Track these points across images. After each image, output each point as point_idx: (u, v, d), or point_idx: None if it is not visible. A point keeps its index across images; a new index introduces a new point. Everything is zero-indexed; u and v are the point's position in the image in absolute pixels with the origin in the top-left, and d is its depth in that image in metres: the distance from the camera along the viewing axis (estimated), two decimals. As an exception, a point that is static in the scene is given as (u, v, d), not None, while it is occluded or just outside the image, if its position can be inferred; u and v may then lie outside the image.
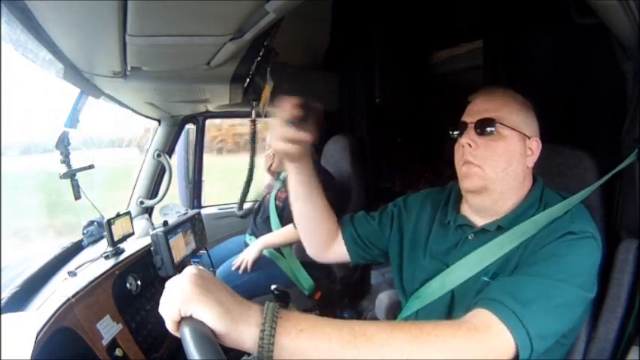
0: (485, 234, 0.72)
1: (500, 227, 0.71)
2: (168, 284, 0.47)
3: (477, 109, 0.72)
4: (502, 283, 0.62)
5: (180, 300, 0.44)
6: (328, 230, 0.85)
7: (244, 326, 0.45)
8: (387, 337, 0.49)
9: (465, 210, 0.77)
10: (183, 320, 0.44)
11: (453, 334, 0.52)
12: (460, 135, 0.72)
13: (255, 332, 0.44)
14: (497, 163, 0.69)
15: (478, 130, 0.70)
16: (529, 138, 0.71)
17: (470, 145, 0.69)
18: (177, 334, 0.45)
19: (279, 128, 0.66)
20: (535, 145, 0.71)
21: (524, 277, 0.61)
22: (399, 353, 0.48)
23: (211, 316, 0.44)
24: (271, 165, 1.89)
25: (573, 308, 0.60)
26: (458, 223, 0.76)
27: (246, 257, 1.69)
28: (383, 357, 0.48)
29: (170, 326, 0.46)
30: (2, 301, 0.83)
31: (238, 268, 1.67)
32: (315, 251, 0.88)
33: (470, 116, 0.72)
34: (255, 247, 1.70)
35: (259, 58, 0.96)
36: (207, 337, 0.42)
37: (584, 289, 0.60)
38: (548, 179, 0.76)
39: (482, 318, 0.55)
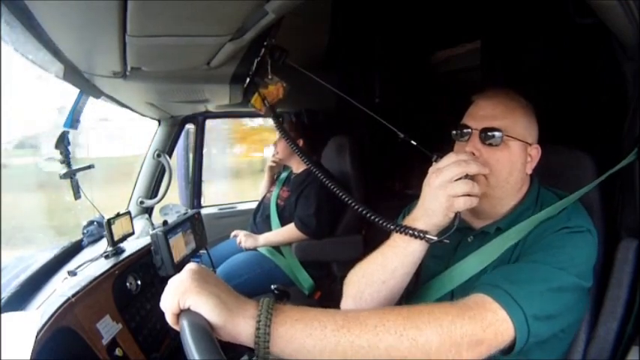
0: (485, 236, 0.73)
1: (499, 229, 0.71)
2: (170, 280, 0.49)
3: (482, 114, 0.71)
4: (498, 271, 0.64)
5: (179, 292, 0.46)
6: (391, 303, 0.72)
7: (240, 319, 0.46)
8: (380, 318, 0.50)
9: (464, 213, 0.77)
10: (182, 313, 0.46)
11: (445, 312, 0.52)
12: (462, 137, 0.72)
13: (252, 324, 0.46)
14: (500, 172, 0.69)
15: (483, 137, 0.69)
16: (530, 145, 0.71)
17: (473, 153, 0.69)
18: (176, 328, 0.46)
19: (464, 184, 0.61)
20: (535, 152, 0.72)
21: (521, 264, 0.62)
22: (393, 331, 0.49)
23: (208, 308, 0.45)
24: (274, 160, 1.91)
25: (568, 294, 0.60)
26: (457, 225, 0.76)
27: (245, 239, 1.72)
28: (378, 337, 0.48)
29: (170, 319, 0.47)
30: (2, 301, 0.83)
31: (238, 267, 1.68)
32: (358, 308, 0.71)
33: (474, 121, 0.71)
34: (255, 240, 1.71)
35: (260, 58, 0.96)
36: (204, 330, 0.43)
37: (580, 278, 0.61)
38: (548, 179, 0.76)
39: (476, 299, 0.56)
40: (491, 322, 0.53)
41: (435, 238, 0.62)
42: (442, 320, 0.51)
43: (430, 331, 0.50)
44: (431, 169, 0.64)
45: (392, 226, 0.64)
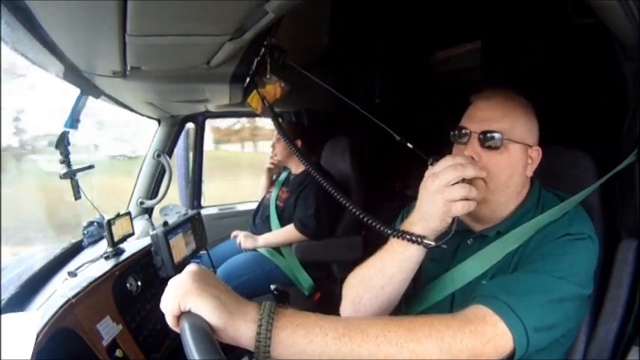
0: (485, 239, 0.72)
1: (499, 232, 0.71)
2: (170, 282, 0.48)
3: (481, 115, 0.69)
4: (498, 281, 0.63)
5: (180, 294, 0.46)
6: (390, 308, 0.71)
7: (241, 321, 0.46)
8: (382, 329, 0.50)
9: (463, 216, 0.76)
10: (182, 315, 0.46)
11: (446, 325, 0.52)
12: (460, 138, 0.70)
13: (253, 327, 0.45)
14: (499, 176, 0.67)
15: (482, 140, 0.67)
16: (530, 147, 0.70)
17: (472, 157, 0.67)
18: (177, 330, 0.46)
19: (461, 188, 0.59)
20: (535, 154, 0.71)
21: (521, 274, 0.62)
22: (394, 342, 0.49)
23: (208, 309, 0.45)
24: (273, 163, 1.91)
25: (569, 304, 0.60)
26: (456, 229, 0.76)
27: (244, 240, 1.72)
28: (378, 347, 0.49)
29: (170, 321, 0.47)
30: (2, 301, 0.83)
31: (238, 268, 1.68)
32: (357, 313, 0.70)
33: (473, 123, 0.69)
34: (254, 241, 1.71)
35: (259, 58, 0.96)
36: (205, 331, 0.43)
37: (581, 287, 0.61)
38: (547, 180, 0.76)
39: (476, 311, 0.56)
40: (491, 337, 0.53)
41: (433, 243, 0.61)
42: (443, 334, 0.51)
43: (431, 345, 0.50)
44: (427, 173, 0.63)
45: (389, 231, 0.63)
